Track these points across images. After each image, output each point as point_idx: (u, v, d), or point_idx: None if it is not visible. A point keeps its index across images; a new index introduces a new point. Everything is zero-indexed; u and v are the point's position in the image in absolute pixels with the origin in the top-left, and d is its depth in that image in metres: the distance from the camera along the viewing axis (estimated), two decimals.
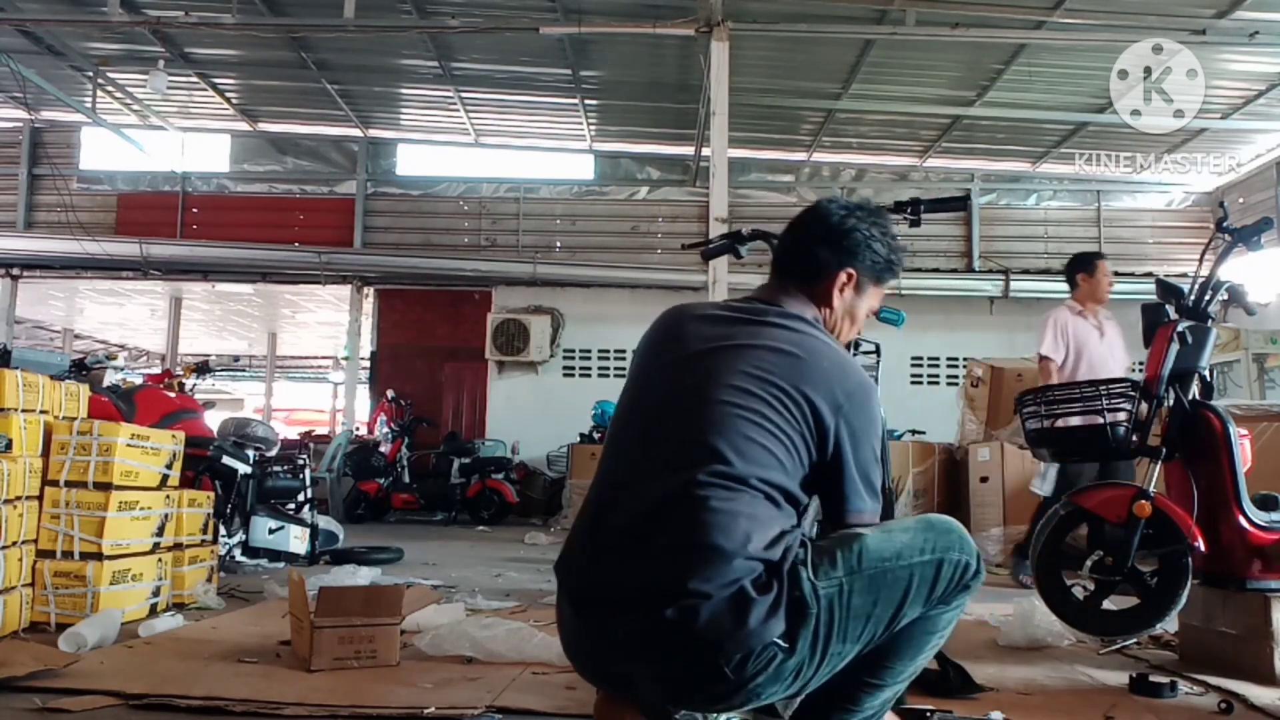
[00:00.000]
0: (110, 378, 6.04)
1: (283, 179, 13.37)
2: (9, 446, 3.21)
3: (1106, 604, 3.01)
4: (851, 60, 10.07)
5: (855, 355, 2.55)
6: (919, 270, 12.33)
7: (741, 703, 1.67)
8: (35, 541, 3.37)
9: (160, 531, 3.74)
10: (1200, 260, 3.28)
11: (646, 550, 1.65)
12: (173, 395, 6.17)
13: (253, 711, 2.28)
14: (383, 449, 10.80)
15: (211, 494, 4.53)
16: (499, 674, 2.71)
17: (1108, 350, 5.00)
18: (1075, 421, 3.20)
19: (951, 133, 11.81)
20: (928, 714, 2.27)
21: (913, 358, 12.28)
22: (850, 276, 1.93)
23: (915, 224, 2.70)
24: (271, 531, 5.54)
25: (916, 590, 1.69)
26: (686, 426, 1.72)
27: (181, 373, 7.04)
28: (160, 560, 3.74)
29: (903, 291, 11.48)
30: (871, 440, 1.78)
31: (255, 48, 10.72)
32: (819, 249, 1.94)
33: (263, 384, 20.35)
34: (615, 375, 12.57)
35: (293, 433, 11.29)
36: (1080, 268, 5.14)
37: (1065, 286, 5.21)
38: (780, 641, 1.61)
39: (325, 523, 6.15)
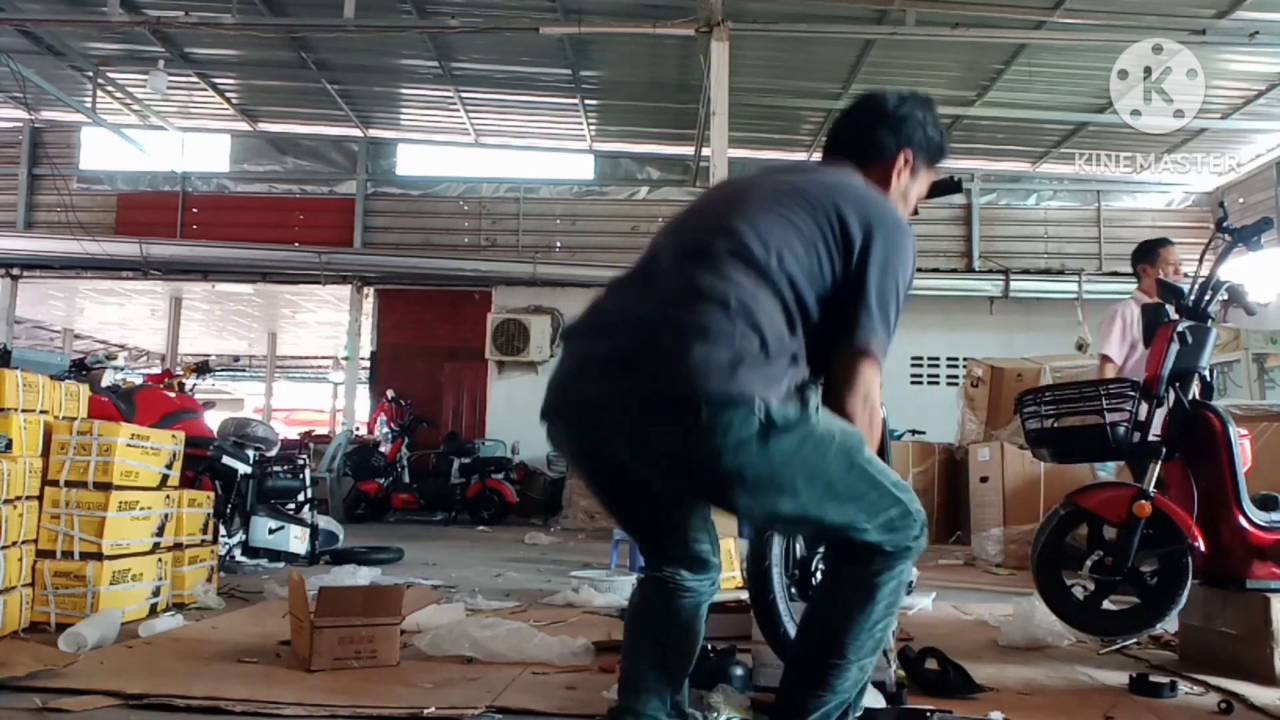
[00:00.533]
0: (110, 378, 6.04)
1: (283, 179, 13.36)
2: (9, 446, 3.21)
3: (1106, 604, 3.01)
4: (851, 60, 10.07)
5: None
6: (919, 270, 12.22)
7: (697, 471, 1.64)
8: (35, 541, 3.37)
9: (160, 531, 3.74)
10: (1200, 260, 3.28)
11: (659, 291, 1.71)
12: (173, 395, 6.17)
13: (253, 711, 2.28)
14: (383, 449, 10.80)
15: (211, 494, 4.53)
16: (499, 674, 2.71)
17: None
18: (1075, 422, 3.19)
19: (951, 133, 11.74)
20: (928, 714, 2.27)
21: (913, 358, 12.28)
22: (908, 159, 2.00)
23: (913, 212, 2.69)
24: (271, 531, 5.54)
25: (871, 497, 1.73)
26: (716, 215, 1.80)
27: (181, 373, 7.04)
28: (160, 560, 3.73)
29: None
30: (898, 276, 1.77)
31: (255, 48, 10.72)
32: (878, 132, 2.00)
33: (263, 384, 20.35)
34: None
35: (293, 433, 11.28)
36: (1143, 258, 4.84)
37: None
38: (765, 412, 1.57)
39: (325, 523, 6.15)
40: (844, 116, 2.08)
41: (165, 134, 13.06)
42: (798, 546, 2.47)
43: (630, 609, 2.05)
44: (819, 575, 2.44)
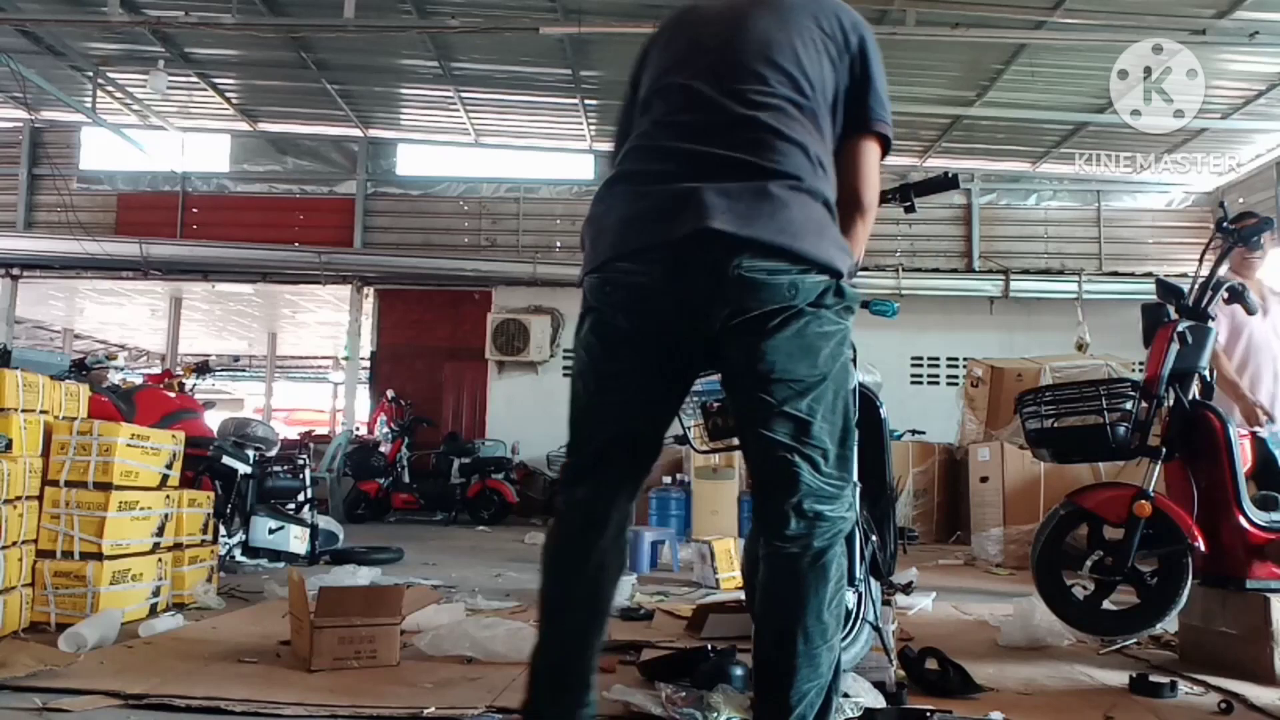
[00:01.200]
0: (110, 378, 6.04)
1: (283, 179, 13.36)
2: (9, 446, 3.21)
3: (1106, 604, 3.01)
4: None
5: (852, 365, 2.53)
6: (919, 270, 12.33)
7: (758, 304, 1.68)
8: (35, 541, 3.37)
9: (160, 531, 3.74)
10: (1200, 260, 3.28)
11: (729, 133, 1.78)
12: (173, 395, 6.18)
13: (253, 711, 2.28)
14: (383, 449, 10.80)
15: (211, 494, 4.53)
16: (499, 674, 2.70)
17: (1270, 329, 4.60)
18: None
19: (951, 133, 11.80)
20: (928, 714, 2.27)
21: (913, 358, 12.27)
22: None
23: (910, 209, 2.69)
24: (271, 531, 5.54)
25: (847, 443, 1.81)
26: (746, 48, 1.87)
27: (181, 373, 7.04)
28: (160, 560, 3.74)
29: (903, 291, 11.49)
30: (883, 70, 1.96)
31: (255, 48, 10.71)
32: None
33: (263, 384, 20.35)
34: None
35: (293, 433, 11.28)
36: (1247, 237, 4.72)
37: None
38: (835, 293, 1.74)
39: (325, 523, 6.15)
40: None
41: (165, 134, 13.05)
42: None
43: (555, 554, 1.86)
44: None
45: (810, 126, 1.81)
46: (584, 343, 1.86)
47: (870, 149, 1.93)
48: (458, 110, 12.12)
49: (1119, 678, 2.81)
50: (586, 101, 11.71)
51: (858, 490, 1.86)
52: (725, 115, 1.78)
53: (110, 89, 11.93)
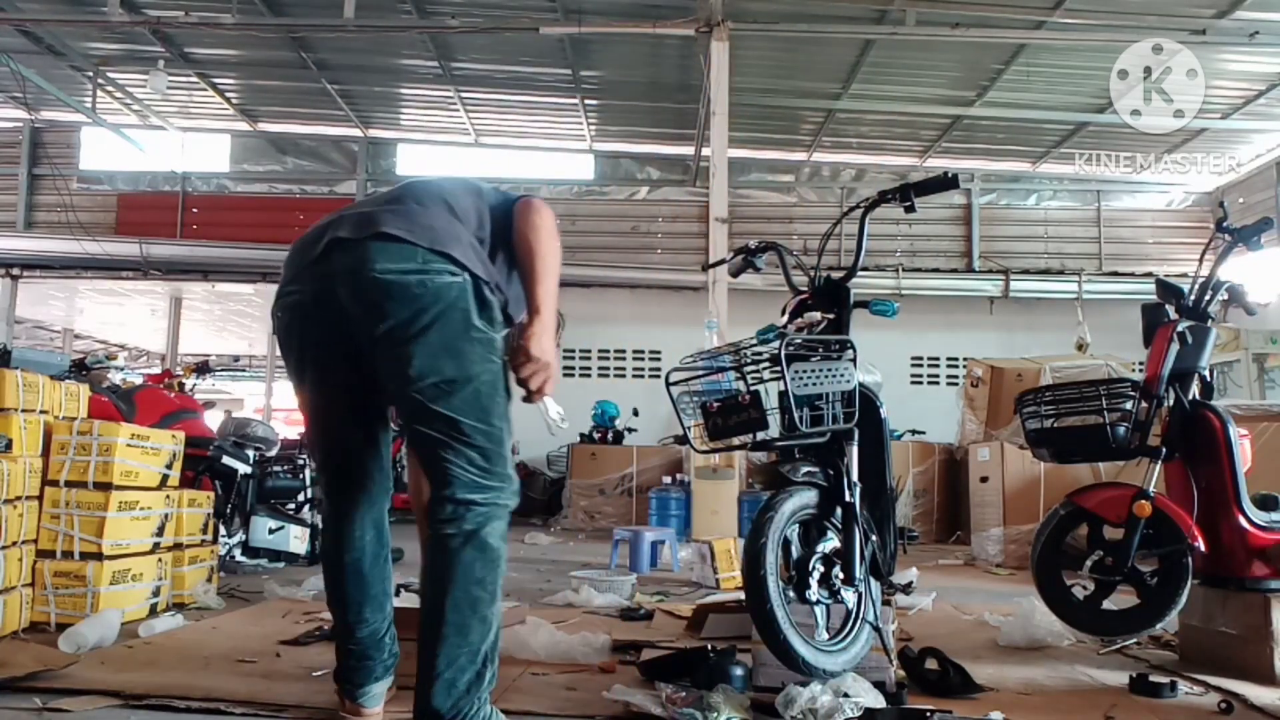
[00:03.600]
0: (110, 378, 6.04)
1: (283, 179, 13.37)
2: (9, 446, 3.21)
3: (1106, 604, 3.01)
4: (851, 60, 10.07)
5: (852, 365, 2.53)
6: (919, 270, 12.33)
7: None
8: (35, 541, 3.37)
9: (160, 531, 3.74)
10: (1200, 260, 3.28)
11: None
12: (173, 395, 6.17)
13: (253, 712, 2.28)
14: None
15: (211, 494, 4.53)
16: (499, 674, 2.70)
17: None
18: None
19: (951, 133, 11.81)
20: (928, 714, 2.27)
21: (913, 358, 12.28)
22: None
23: (909, 209, 2.69)
24: (271, 531, 5.54)
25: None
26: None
27: (181, 373, 7.04)
28: (160, 560, 3.74)
29: (903, 291, 11.49)
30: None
31: (255, 48, 10.71)
32: None
33: (263, 384, 20.33)
34: (615, 375, 12.58)
35: (293, 433, 11.26)
36: None
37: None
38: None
39: None
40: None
41: (165, 134, 13.06)
42: (794, 548, 2.47)
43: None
44: (816, 575, 2.44)
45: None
46: None
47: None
48: (458, 110, 12.12)
49: (1119, 678, 2.81)
50: (586, 101, 11.71)
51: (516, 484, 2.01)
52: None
53: (110, 89, 11.94)
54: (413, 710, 1.91)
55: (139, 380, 7.24)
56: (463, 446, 1.90)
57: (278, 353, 2.16)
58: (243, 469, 5.47)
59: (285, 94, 12.21)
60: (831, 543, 2.50)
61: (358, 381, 2.03)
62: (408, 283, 1.83)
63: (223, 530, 5.09)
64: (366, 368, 1.97)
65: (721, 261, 2.94)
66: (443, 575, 1.91)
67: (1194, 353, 3.05)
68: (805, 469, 2.49)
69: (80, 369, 5.88)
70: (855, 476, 2.53)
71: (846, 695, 2.22)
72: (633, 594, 4.43)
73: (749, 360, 2.52)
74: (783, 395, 2.41)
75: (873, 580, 2.55)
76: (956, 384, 10.42)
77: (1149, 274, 11.31)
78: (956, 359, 11.91)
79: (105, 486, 3.43)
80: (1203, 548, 2.82)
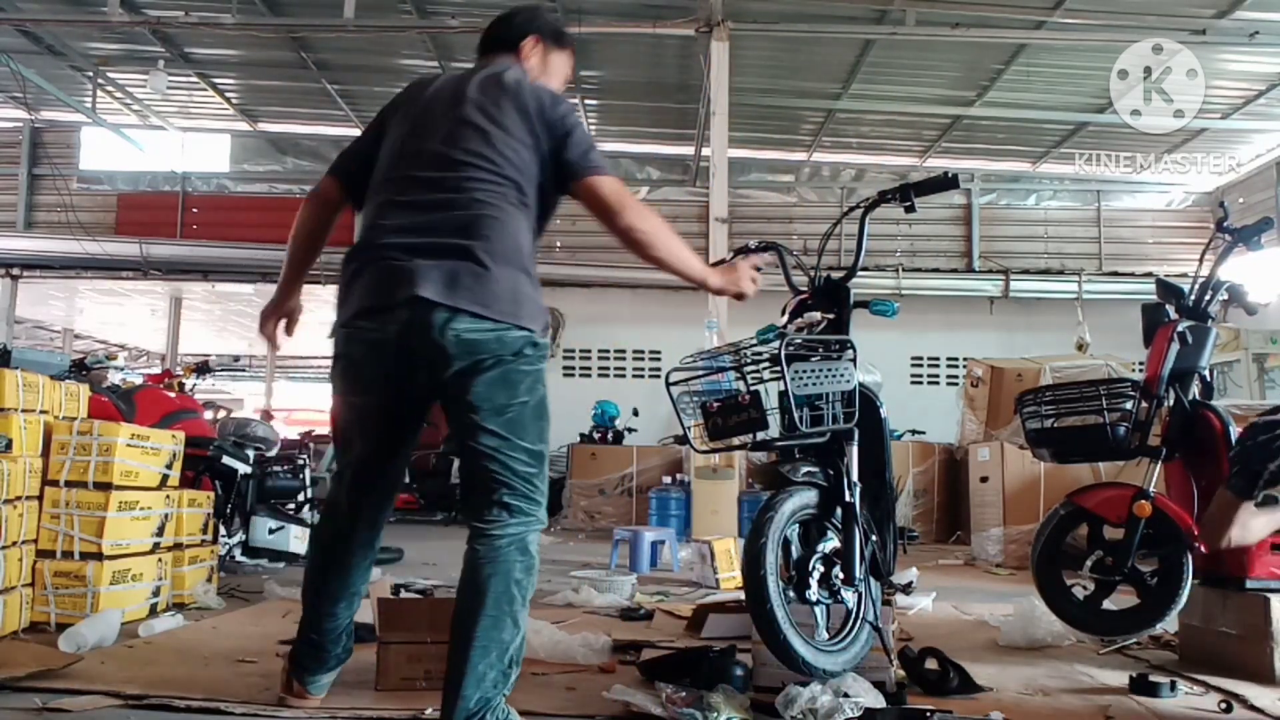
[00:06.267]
0: (110, 378, 6.04)
1: (283, 179, 13.37)
2: (9, 446, 3.21)
3: (1106, 604, 3.01)
4: (851, 60, 10.07)
5: (852, 365, 2.53)
6: (919, 270, 12.34)
7: None
8: (35, 541, 3.37)
9: (160, 531, 3.74)
10: (1200, 260, 3.28)
11: None
12: (173, 395, 6.17)
13: (253, 713, 2.28)
14: None
15: (211, 494, 4.53)
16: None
17: None
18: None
19: (951, 133, 11.81)
20: (928, 714, 2.27)
21: (913, 358, 12.28)
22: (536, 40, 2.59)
23: (910, 209, 2.69)
24: (271, 531, 5.53)
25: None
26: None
27: (181, 373, 7.04)
28: (160, 560, 3.73)
29: (903, 291, 11.49)
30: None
31: (255, 48, 10.71)
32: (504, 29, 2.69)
33: (263, 384, 20.34)
34: (615, 375, 12.57)
35: (293, 433, 11.26)
36: None
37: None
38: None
39: None
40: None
41: (165, 134, 13.06)
42: (794, 548, 2.47)
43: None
44: (816, 575, 2.44)
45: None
46: None
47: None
48: None
49: (1119, 678, 2.81)
50: (586, 101, 11.71)
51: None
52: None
53: (110, 89, 11.94)
54: (441, 701, 2.00)
55: (139, 380, 7.24)
56: (510, 460, 2.07)
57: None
58: (243, 469, 5.47)
59: (285, 94, 12.21)
60: (831, 543, 2.50)
61: (408, 405, 2.25)
62: (485, 339, 2.03)
63: (223, 530, 5.09)
64: (419, 393, 2.19)
65: (721, 261, 2.93)
66: (484, 572, 2.01)
67: (1194, 353, 3.05)
68: (805, 469, 2.49)
69: (80, 369, 5.88)
70: (855, 476, 2.53)
71: (846, 695, 2.22)
72: (633, 594, 4.43)
73: (749, 360, 2.52)
74: (783, 395, 2.40)
75: (873, 580, 2.55)
76: (956, 384, 10.42)
77: (1149, 274, 11.31)
78: (956, 359, 11.91)
79: (105, 486, 3.43)
80: (1202, 548, 2.82)
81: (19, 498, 3.24)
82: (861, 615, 2.49)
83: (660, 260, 2.21)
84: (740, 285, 2.36)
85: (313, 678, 2.33)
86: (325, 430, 16.26)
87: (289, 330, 2.51)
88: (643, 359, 12.56)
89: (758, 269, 2.45)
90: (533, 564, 2.10)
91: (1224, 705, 2.49)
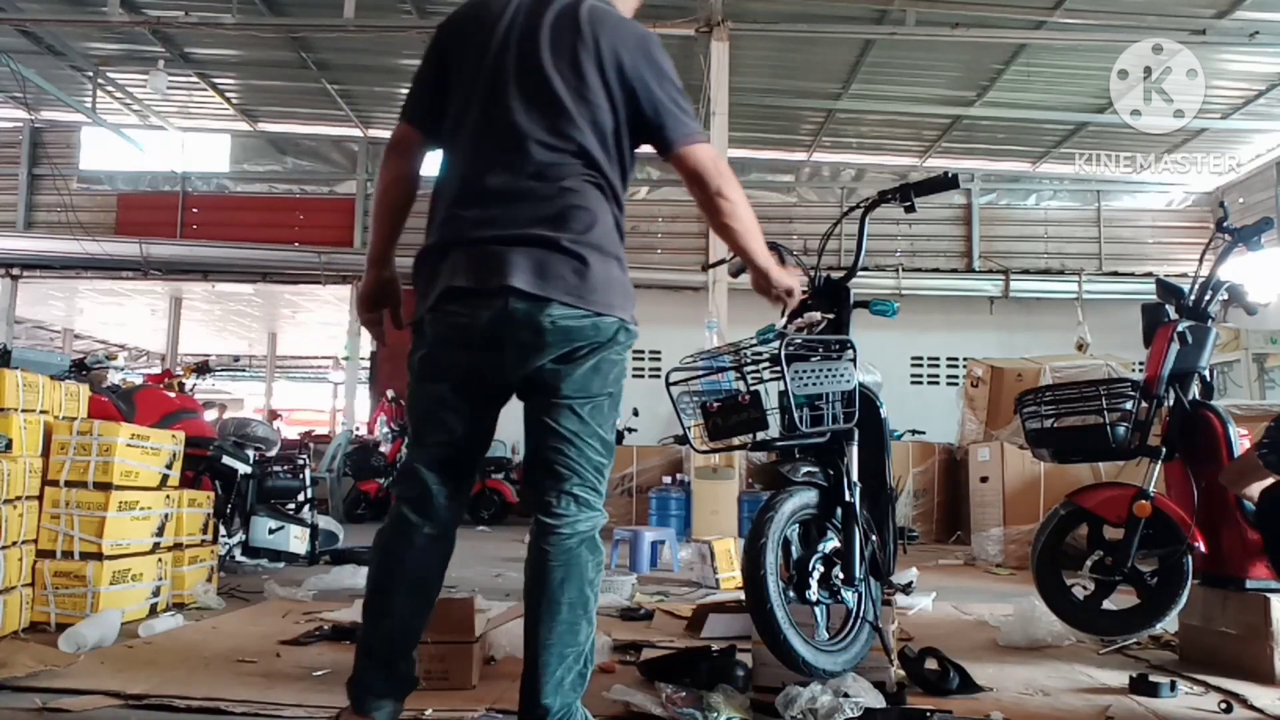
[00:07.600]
0: (110, 378, 6.03)
1: (283, 179, 13.37)
2: (9, 446, 3.21)
3: (1106, 604, 3.01)
4: (851, 60, 10.07)
5: (852, 366, 2.53)
6: (919, 270, 12.34)
7: None
8: (35, 541, 3.37)
9: (160, 531, 3.74)
10: (1200, 260, 3.28)
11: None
12: (173, 395, 6.17)
13: (253, 712, 2.28)
14: (383, 449, 10.79)
15: (211, 494, 4.53)
16: (511, 669, 2.70)
17: None
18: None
19: (951, 133, 11.81)
20: (928, 714, 2.27)
21: (913, 358, 12.28)
22: None
23: (910, 209, 2.69)
24: (271, 531, 5.54)
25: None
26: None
27: (181, 373, 7.03)
28: (160, 560, 3.74)
29: (903, 291, 11.50)
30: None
31: (255, 48, 10.72)
32: None
33: (263, 384, 20.35)
34: None
35: (293, 433, 11.27)
36: None
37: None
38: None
39: (325, 523, 6.15)
40: None
41: (165, 134, 13.06)
42: (794, 548, 2.47)
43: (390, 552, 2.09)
44: (816, 575, 2.44)
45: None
46: None
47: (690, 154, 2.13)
48: None
49: (1119, 678, 2.81)
50: None
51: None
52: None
53: (110, 89, 11.94)
54: (519, 706, 1.96)
55: (139, 380, 7.24)
56: (585, 448, 2.04)
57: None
58: (243, 469, 5.47)
59: (285, 94, 12.21)
60: (831, 543, 2.50)
61: (492, 394, 2.14)
62: (582, 326, 1.99)
63: (223, 530, 5.09)
64: (504, 382, 2.09)
65: (721, 261, 2.93)
66: (557, 576, 1.96)
67: (1194, 353, 3.05)
68: (805, 469, 2.49)
69: (80, 369, 5.87)
70: (855, 476, 2.53)
71: (846, 695, 2.22)
72: (633, 594, 4.43)
73: (749, 360, 2.52)
74: (783, 395, 2.40)
75: (873, 580, 2.55)
76: (956, 384, 10.42)
77: (1149, 274, 11.31)
78: (956, 359, 11.91)
79: (105, 486, 3.43)
80: (1202, 548, 2.82)
81: (19, 498, 3.24)
82: (861, 615, 2.49)
83: (734, 233, 2.15)
84: (792, 282, 2.32)
85: (380, 704, 2.02)
86: (325, 430, 16.32)
87: (396, 321, 2.28)
88: (643, 359, 12.55)
89: None
90: (601, 559, 2.07)
91: (1224, 705, 2.49)
